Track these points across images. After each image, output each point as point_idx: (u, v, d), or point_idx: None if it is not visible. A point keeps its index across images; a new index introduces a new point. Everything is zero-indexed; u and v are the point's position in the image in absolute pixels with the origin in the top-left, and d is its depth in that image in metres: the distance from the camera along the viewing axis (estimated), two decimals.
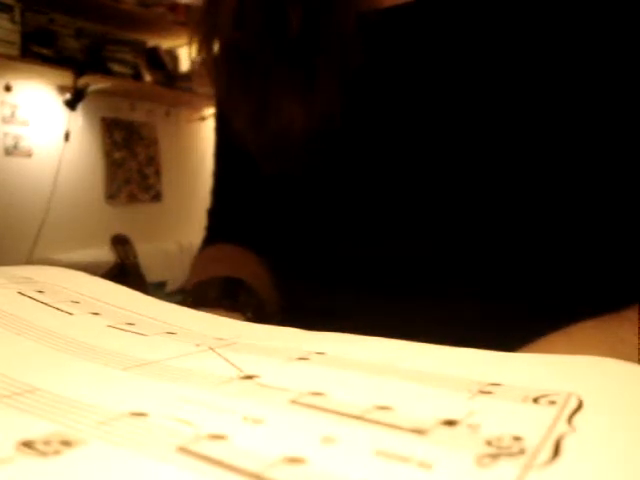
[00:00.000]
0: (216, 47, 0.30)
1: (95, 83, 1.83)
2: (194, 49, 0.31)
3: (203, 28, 0.30)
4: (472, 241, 0.25)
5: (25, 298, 0.16)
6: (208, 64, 0.31)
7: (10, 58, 1.65)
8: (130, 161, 2.14)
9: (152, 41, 2.15)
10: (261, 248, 0.34)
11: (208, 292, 0.28)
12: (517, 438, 0.08)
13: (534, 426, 0.09)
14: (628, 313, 0.21)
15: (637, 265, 0.24)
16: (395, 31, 0.28)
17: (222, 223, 0.38)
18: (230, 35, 0.29)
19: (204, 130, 2.35)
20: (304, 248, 0.30)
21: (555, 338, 0.20)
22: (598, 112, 0.23)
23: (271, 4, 0.28)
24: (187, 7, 2.14)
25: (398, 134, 0.27)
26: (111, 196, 2.07)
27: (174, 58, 2.23)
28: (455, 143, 0.25)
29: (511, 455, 0.08)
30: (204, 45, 0.30)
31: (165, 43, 2.19)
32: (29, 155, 1.83)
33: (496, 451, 0.08)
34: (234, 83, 0.30)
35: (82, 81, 1.78)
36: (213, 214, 0.39)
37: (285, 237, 0.31)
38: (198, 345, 0.13)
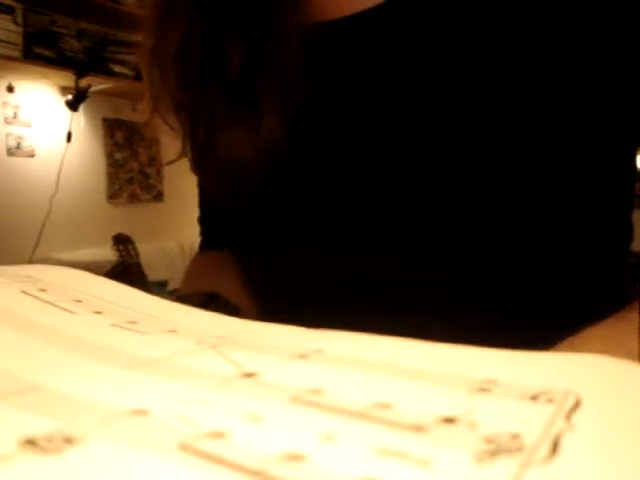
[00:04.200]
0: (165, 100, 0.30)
1: (97, 84, 1.83)
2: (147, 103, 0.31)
3: (152, 78, 0.30)
4: (447, 259, 0.24)
5: (28, 297, 0.16)
6: (160, 115, 0.31)
7: (12, 59, 1.66)
8: (132, 161, 2.15)
9: None
10: (240, 254, 0.35)
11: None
12: (515, 435, 0.08)
13: (532, 424, 0.09)
14: (631, 316, 0.20)
15: (623, 263, 0.24)
16: (337, 45, 0.27)
17: (208, 231, 0.40)
18: (172, 92, 0.29)
19: None
20: (264, 263, 0.30)
21: (562, 350, 0.19)
22: (564, 102, 0.23)
23: (210, 48, 0.28)
24: None
25: (344, 150, 0.26)
26: (113, 196, 2.07)
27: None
28: (404, 150, 0.25)
29: (509, 452, 0.08)
30: (154, 100, 0.31)
31: None
32: (31, 155, 1.83)
33: (495, 448, 0.08)
34: (185, 129, 0.30)
35: (84, 82, 1.78)
36: (201, 222, 0.40)
37: (248, 251, 0.32)
38: (199, 343, 0.13)
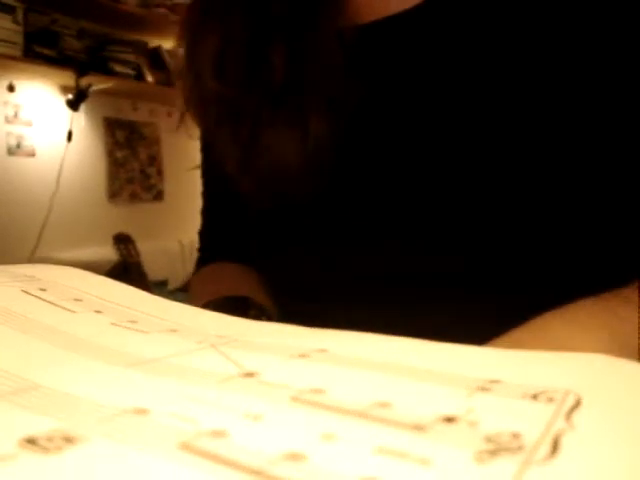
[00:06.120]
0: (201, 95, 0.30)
1: (97, 83, 1.83)
2: (181, 100, 0.31)
3: (187, 80, 0.30)
4: (466, 242, 0.25)
5: (28, 296, 0.16)
6: (195, 112, 0.31)
7: (13, 58, 1.66)
8: (132, 161, 2.15)
9: (154, 41, 2.15)
10: (253, 263, 0.34)
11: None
12: (516, 435, 0.08)
13: (533, 423, 0.09)
14: (626, 292, 0.21)
15: (633, 251, 0.24)
16: (375, 47, 0.27)
17: (214, 242, 0.38)
18: (212, 86, 0.29)
19: None
20: (295, 263, 0.30)
21: (553, 317, 0.20)
22: (595, 110, 0.23)
23: (252, 47, 0.28)
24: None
25: (389, 149, 0.27)
26: (113, 195, 2.07)
27: (176, 58, 2.23)
28: (445, 150, 0.25)
29: (510, 451, 0.08)
30: (189, 96, 0.30)
31: (167, 43, 2.19)
32: (32, 155, 1.83)
33: (495, 447, 0.08)
34: (221, 129, 0.30)
35: (84, 81, 1.78)
36: (205, 234, 0.39)
37: (275, 253, 0.31)
38: (200, 342, 0.13)
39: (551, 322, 0.20)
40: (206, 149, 0.36)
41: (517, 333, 0.19)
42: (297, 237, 0.30)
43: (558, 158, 0.24)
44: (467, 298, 0.25)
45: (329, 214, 0.28)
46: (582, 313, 0.20)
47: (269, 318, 0.28)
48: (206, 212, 0.38)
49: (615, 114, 0.23)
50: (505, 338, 0.19)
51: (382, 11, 0.27)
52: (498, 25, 0.24)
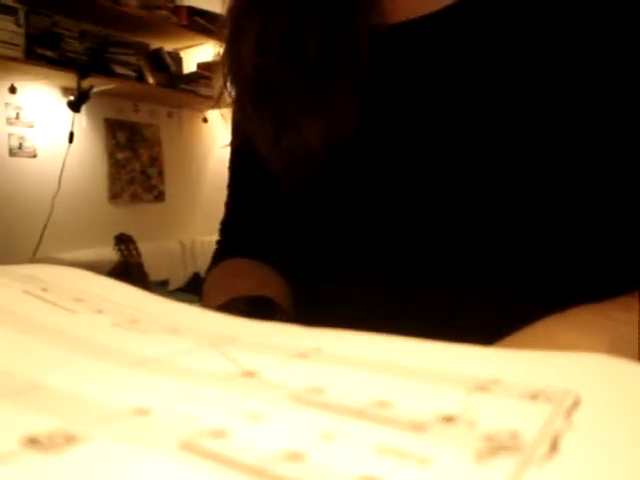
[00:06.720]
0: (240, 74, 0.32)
1: (99, 85, 1.84)
2: (221, 77, 0.33)
3: (228, 59, 0.32)
4: (475, 234, 0.26)
5: (30, 297, 0.16)
6: (233, 90, 0.33)
7: (15, 60, 1.66)
8: (133, 162, 2.15)
9: (155, 43, 2.16)
10: (277, 261, 0.34)
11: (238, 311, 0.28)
12: (515, 434, 0.08)
13: (532, 422, 0.09)
14: (626, 300, 0.21)
15: (635, 255, 0.24)
16: (404, 46, 0.29)
17: (237, 236, 0.38)
18: (252, 62, 0.30)
19: (206, 131, 2.36)
20: (319, 256, 0.31)
21: (553, 322, 0.20)
22: (599, 114, 0.24)
23: (290, 31, 0.30)
24: (189, 9, 2.15)
25: (410, 143, 0.28)
26: (114, 196, 2.08)
27: (177, 60, 2.24)
28: (463, 147, 0.26)
29: (509, 451, 0.08)
30: (229, 75, 0.32)
31: (168, 45, 2.20)
32: (34, 156, 1.84)
33: (494, 447, 0.08)
34: (256, 107, 0.31)
35: (86, 83, 1.79)
36: (227, 227, 0.38)
37: (301, 245, 0.32)
38: (200, 342, 0.13)
39: (552, 327, 0.20)
40: (237, 134, 0.37)
41: (517, 337, 0.19)
42: (321, 229, 0.31)
43: (568, 161, 0.24)
44: (467, 293, 0.26)
45: (339, 203, 0.30)
46: (583, 319, 0.20)
47: (289, 321, 0.28)
48: (230, 203, 0.38)
49: (628, 125, 0.24)
50: (505, 342, 0.19)
51: (414, 11, 0.28)
52: (529, 29, 0.25)
